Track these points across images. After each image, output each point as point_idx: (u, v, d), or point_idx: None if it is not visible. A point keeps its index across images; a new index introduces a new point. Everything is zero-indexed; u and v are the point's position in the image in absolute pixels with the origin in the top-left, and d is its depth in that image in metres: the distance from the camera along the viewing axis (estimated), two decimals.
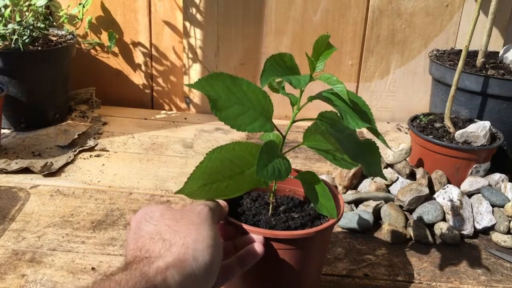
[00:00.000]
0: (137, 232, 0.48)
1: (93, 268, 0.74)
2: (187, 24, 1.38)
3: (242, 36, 1.40)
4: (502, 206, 0.93)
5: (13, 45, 1.15)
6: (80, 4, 1.29)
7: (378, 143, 0.61)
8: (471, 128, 1.00)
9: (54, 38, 1.28)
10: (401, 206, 0.93)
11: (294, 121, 0.58)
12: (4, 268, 0.73)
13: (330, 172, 1.11)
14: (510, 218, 0.91)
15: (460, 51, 1.11)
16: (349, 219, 0.88)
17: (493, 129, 1.08)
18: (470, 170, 1.01)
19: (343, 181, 0.98)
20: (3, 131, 1.18)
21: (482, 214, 0.91)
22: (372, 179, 0.99)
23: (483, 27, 1.14)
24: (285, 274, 0.59)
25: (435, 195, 0.95)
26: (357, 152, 0.57)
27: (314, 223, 0.62)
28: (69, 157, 1.10)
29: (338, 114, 0.54)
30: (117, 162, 1.11)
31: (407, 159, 1.01)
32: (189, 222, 0.48)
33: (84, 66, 1.42)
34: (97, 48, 1.42)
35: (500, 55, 1.24)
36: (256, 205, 0.65)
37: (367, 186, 0.98)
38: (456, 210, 0.90)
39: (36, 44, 1.21)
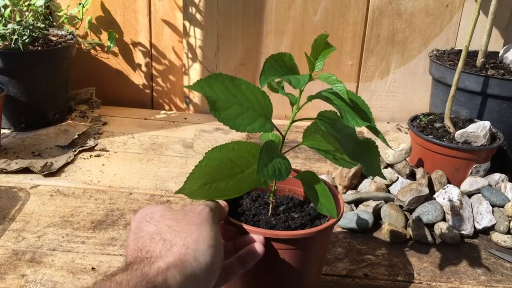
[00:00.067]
0: (138, 232, 0.48)
1: (93, 268, 0.74)
2: (187, 24, 1.38)
3: (242, 36, 1.40)
4: (502, 206, 0.93)
5: (13, 45, 1.15)
6: (80, 4, 1.29)
7: (378, 142, 0.61)
8: (471, 128, 1.00)
9: (54, 38, 1.28)
10: (401, 206, 0.93)
11: (293, 121, 0.58)
12: (4, 268, 0.73)
13: (330, 172, 1.11)
14: (510, 218, 0.91)
15: (460, 51, 1.11)
16: (349, 219, 0.88)
17: (493, 129, 1.08)
18: (470, 170, 1.01)
19: (343, 181, 0.98)
20: (3, 131, 1.18)
21: (482, 214, 0.91)
22: (372, 179, 0.99)
23: (483, 27, 1.14)
24: (285, 274, 0.59)
25: (435, 195, 0.95)
26: (356, 151, 0.57)
27: (314, 223, 0.62)
28: (69, 157, 1.10)
29: (338, 113, 0.54)
30: (117, 162, 1.11)
31: (407, 159, 1.01)
32: (190, 222, 0.48)
33: (84, 66, 1.42)
34: (97, 48, 1.42)
35: (500, 55, 1.24)
36: (256, 205, 0.65)
37: (367, 186, 0.98)
38: (456, 210, 0.90)
39: (36, 44, 1.21)
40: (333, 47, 0.55)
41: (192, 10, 1.37)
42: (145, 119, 1.38)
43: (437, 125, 1.09)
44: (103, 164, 1.09)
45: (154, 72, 1.45)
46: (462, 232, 0.89)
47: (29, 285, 0.70)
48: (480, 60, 1.16)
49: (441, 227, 0.88)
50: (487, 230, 0.91)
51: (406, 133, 1.40)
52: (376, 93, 1.46)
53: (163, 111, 1.46)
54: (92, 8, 1.36)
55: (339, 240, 0.86)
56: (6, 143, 1.14)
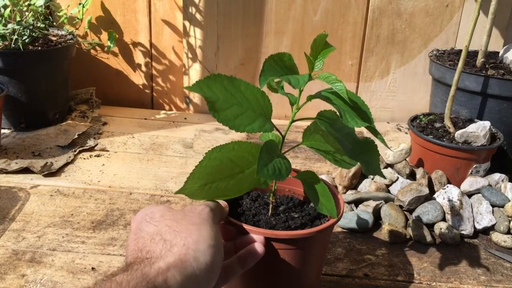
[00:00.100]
0: (138, 233, 0.48)
1: (93, 268, 0.74)
2: (187, 23, 1.38)
3: (242, 36, 1.40)
4: (502, 206, 0.93)
5: (13, 45, 1.15)
6: (80, 4, 1.29)
7: (378, 142, 0.61)
8: (471, 128, 1.00)
9: (54, 38, 1.28)
10: (401, 206, 0.93)
11: (293, 121, 0.58)
12: (4, 268, 0.73)
13: (330, 172, 1.11)
14: (510, 218, 0.91)
15: (460, 51, 1.11)
16: (349, 219, 0.89)
17: (493, 129, 1.08)
18: (470, 170, 1.01)
19: (343, 181, 0.98)
20: (3, 131, 1.18)
21: (482, 214, 0.91)
22: (372, 179, 0.99)
23: (483, 27, 1.14)
24: (285, 274, 0.59)
25: (435, 195, 0.95)
26: (356, 151, 0.57)
27: (314, 223, 0.62)
28: (69, 157, 1.10)
29: (337, 113, 0.54)
30: (117, 162, 1.11)
31: (407, 159, 1.01)
32: (190, 222, 0.48)
33: (84, 66, 1.42)
34: (97, 48, 1.42)
35: (500, 55, 1.24)
36: (256, 205, 0.65)
37: (367, 186, 0.98)
38: (456, 210, 0.90)
39: (36, 44, 1.21)
40: (332, 47, 0.55)
41: (192, 10, 1.37)
42: (145, 119, 1.38)
43: (437, 125, 1.09)
44: (103, 164, 1.09)
45: (154, 72, 1.45)
46: (462, 232, 0.89)
47: (29, 285, 0.70)
48: (480, 60, 1.16)
49: (441, 227, 0.88)
50: (487, 230, 0.91)
51: (406, 133, 1.40)
52: (376, 93, 1.46)
53: (163, 111, 1.46)
54: (92, 8, 1.36)
55: (339, 240, 0.86)
56: (6, 143, 1.14)
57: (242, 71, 1.43)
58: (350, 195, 0.95)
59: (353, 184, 0.99)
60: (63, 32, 1.33)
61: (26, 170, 1.02)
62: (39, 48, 1.19)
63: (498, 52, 1.27)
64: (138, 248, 0.45)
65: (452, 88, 1.05)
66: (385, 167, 1.01)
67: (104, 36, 1.39)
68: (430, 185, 0.99)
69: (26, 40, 1.18)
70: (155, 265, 0.42)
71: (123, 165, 1.09)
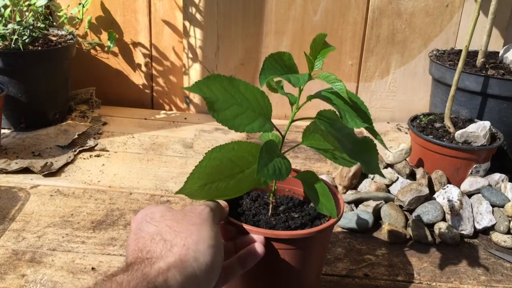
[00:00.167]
0: (138, 233, 0.48)
1: (93, 268, 0.74)
2: (187, 24, 1.38)
3: (242, 36, 1.40)
4: (502, 206, 0.93)
5: (13, 45, 1.15)
6: (80, 4, 1.29)
7: (377, 143, 0.61)
8: (471, 128, 1.00)
9: (54, 38, 1.28)
10: (401, 206, 0.93)
11: (293, 121, 0.58)
12: (4, 268, 0.73)
13: (330, 172, 1.11)
14: (510, 218, 0.91)
15: (460, 51, 1.11)
16: (349, 219, 0.89)
17: (493, 129, 1.08)
18: (470, 170, 1.01)
19: (343, 181, 0.98)
20: (3, 131, 1.18)
21: (482, 214, 0.91)
22: (372, 179, 0.99)
23: (483, 27, 1.14)
24: (285, 274, 0.59)
25: (435, 195, 0.95)
26: (355, 151, 0.57)
27: (314, 223, 0.62)
28: (69, 157, 1.10)
29: (337, 112, 0.54)
30: (117, 162, 1.11)
31: (407, 159, 1.01)
32: (190, 222, 0.48)
33: (84, 66, 1.42)
34: (97, 48, 1.42)
35: (500, 55, 1.24)
36: (256, 205, 0.65)
37: (367, 186, 0.98)
38: (456, 210, 0.90)
39: (36, 44, 1.21)
40: (332, 47, 0.55)
41: (192, 10, 1.37)
42: (145, 119, 1.38)
43: (437, 125, 1.09)
44: (103, 164, 1.09)
45: (154, 72, 1.45)
46: (462, 232, 0.89)
47: (29, 285, 0.70)
48: (480, 60, 1.16)
49: (441, 227, 0.88)
50: (487, 230, 0.91)
51: (406, 133, 1.40)
52: (376, 93, 1.46)
53: (163, 111, 1.47)
54: (92, 8, 1.36)
55: (339, 240, 0.86)
56: (6, 143, 1.14)
57: (242, 71, 1.43)
58: (350, 195, 0.95)
59: (353, 184, 0.99)
60: (63, 32, 1.33)
61: (26, 170, 1.02)
62: (39, 48, 1.19)
63: (498, 52, 1.27)
64: (139, 248, 0.45)
65: (452, 88, 1.05)
66: (385, 167, 1.01)
67: (104, 36, 1.39)
68: (430, 185, 0.99)
69: (26, 40, 1.18)
70: (156, 265, 0.42)
71: (123, 165, 1.09)
